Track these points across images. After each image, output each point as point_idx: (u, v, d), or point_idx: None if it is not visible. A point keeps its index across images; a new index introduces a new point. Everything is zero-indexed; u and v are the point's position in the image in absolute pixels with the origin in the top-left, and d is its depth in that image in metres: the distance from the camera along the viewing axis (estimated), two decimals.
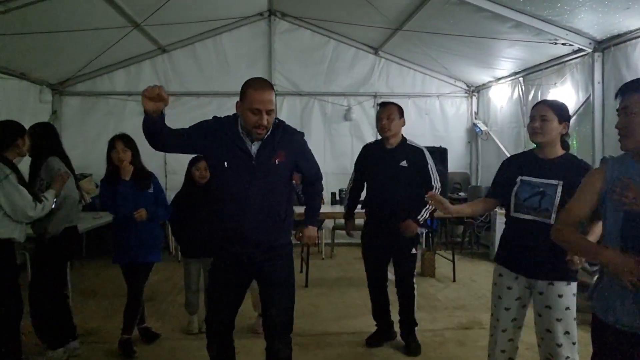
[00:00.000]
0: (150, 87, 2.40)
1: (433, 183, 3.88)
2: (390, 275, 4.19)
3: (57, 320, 3.82)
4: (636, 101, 1.92)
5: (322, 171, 3.07)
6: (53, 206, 3.53)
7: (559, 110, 2.73)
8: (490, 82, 8.27)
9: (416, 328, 4.10)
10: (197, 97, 8.14)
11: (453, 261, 6.43)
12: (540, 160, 2.77)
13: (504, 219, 2.96)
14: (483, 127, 8.47)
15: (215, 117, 2.82)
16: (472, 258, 7.59)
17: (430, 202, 3.79)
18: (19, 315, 3.48)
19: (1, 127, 3.46)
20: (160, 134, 2.63)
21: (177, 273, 6.15)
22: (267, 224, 2.74)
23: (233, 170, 2.69)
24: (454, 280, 6.29)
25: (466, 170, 8.94)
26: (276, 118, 2.77)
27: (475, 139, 8.91)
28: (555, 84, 6.44)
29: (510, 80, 7.61)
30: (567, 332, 2.66)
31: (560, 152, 2.76)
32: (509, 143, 7.52)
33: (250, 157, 2.69)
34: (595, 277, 2.14)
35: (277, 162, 2.71)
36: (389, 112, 3.91)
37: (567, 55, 6.08)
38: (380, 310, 4.23)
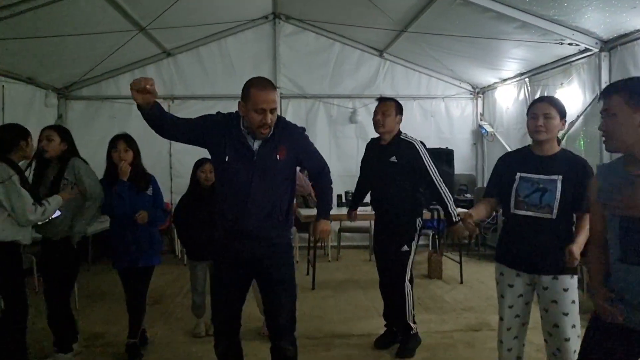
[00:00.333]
0: (137, 79, 2.39)
1: (432, 176, 3.78)
2: None
3: (70, 323, 3.82)
4: (616, 103, 1.95)
5: (331, 178, 3.06)
6: (58, 214, 3.52)
7: (560, 107, 2.76)
8: (495, 83, 8.24)
9: (413, 331, 4.00)
10: (202, 100, 8.14)
11: (460, 263, 6.39)
12: (539, 157, 2.77)
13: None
14: (489, 129, 8.44)
15: (219, 113, 2.84)
16: (479, 260, 7.55)
17: (444, 196, 3.79)
18: (25, 318, 3.47)
19: (4, 130, 3.48)
20: (162, 124, 2.65)
21: (183, 276, 6.15)
22: (268, 220, 2.74)
23: (234, 166, 2.70)
24: (461, 282, 6.26)
25: (472, 172, 8.91)
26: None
27: (480, 140, 8.88)
28: (561, 84, 6.41)
29: (516, 81, 7.59)
30: (573, 326, 2.68)
31: (557, 148, 2.77)
32: (514, 144, 7.47)
33: (252, 154, 2.70)
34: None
35: (278, 158, 2.71)
36: (384, 108, 3.88)
37: (574, 55, 6.04)
38: (390, 310, 4.19)
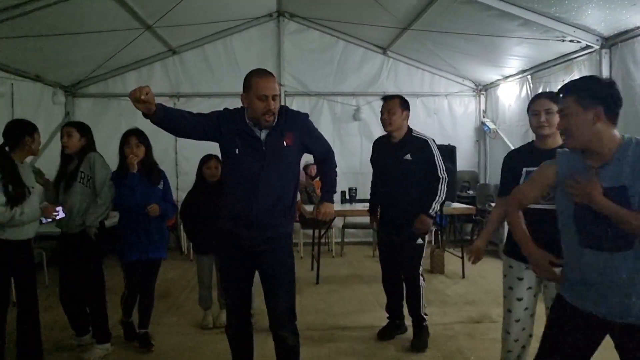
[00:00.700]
0: (133, 90, 2.45)
1: (439, 174, 3.88)
2: None
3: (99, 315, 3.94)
4: (569, 103, 2.02)
5: (336, 162, 3.14)
6: (62, 215, 3.57)
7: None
8: (498, 80, 8.29)
9: (425, 323, 4.10)
10: (207, 98, 8.22)
11: (462, 258, 6.47)
12: (542, 150, 2.83)
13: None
14: (491, 126, 8.50)
15: (226, 109, 2.94)
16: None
17: (439, 192, 3.87)
18: (35, 311, 3.56)
19: (10, 125, 3.52)
20: (170, 128, 2.73)
21: (190, 272, 6.25)
22: (275, 208, 2.83)
23: (244, 157, 2.79)
24: (463, 277, 6.34)
25: (475, 168, 8.97)
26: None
27: (483, 137, 8.93)
28: (563, 81, 6.44)
29: (519, 78, 7.64)
30: None
31: (560, 141, 2.81)
32: (517, 141, 7.52)
33: (260, 144, 2.79)
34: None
35: (285, 145, 2.80)
36: (389, 106, 3.93)
37: (575, 52, 6.10)
38: (393, 303, 4.27)
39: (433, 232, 7.73)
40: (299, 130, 2.88)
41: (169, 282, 6.04)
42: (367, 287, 5.83)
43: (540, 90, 6.90)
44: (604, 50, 5.62)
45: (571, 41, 5.74)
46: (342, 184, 7.41)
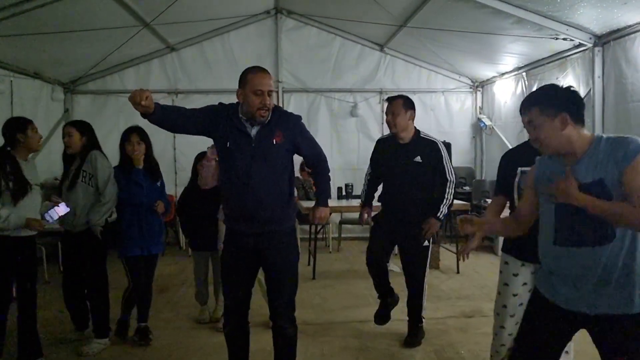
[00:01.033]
0: (133, 94, 2.54)
1: (448, 176, 3.91)
2: (397, 268, 4.21)
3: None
4: (536, 115, 2.09)
5: (329, 166, 3.15)
6: (67, 210, 3.61)
7: None
8: (494, 77, 8.36)
9: (422, 324, 4.14)
10: (206, 94, 8.24)
11: (457, 253, 6.53)
12: (537, 150, 2.88)
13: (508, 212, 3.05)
14: (487, 122, 8.56)
15: (220, 103, 3.02)
16: (476, 251, 7.55)
17: (447, 195, 3.91)
18: (33, 305, 3.60)
19: (4, 126, 3.55)
20: (168, 127, 2.86)
21: (188, 267, 6.30)
22: (270, 201, 2.89)
23: (235, 152, 2.87)
24: (458, 272, 6.42)
25: (471, 165, 9.05)
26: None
27: (479, 133, 9.00)
28: (557, 78, 6.52)
29: (514, 75, 7.71)
30: None
31: None
32: (512, 137, 7.61)
33: (250, 140, 2.86)
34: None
35: (275, 143, 2.86)
36: (393, 108, 3.89)
37: (569, 50, 6.16)
38: (381, 280, 4.18)
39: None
40: (290, 130, 2.94)
41: (167, 278, 6.12)
42: (363, 282, 5.88)
43: (535, 87, 6.94)
44: (596, 49, 5.69)
45: (564, 39, 5.80)
46: (339, 180, 7.58)
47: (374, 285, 4.25)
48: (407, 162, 3.89)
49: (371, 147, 4.35)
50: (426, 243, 4.00)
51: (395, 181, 4.00)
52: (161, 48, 8.23)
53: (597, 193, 1.97)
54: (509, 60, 7.39)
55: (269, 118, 2.88)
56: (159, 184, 4.13)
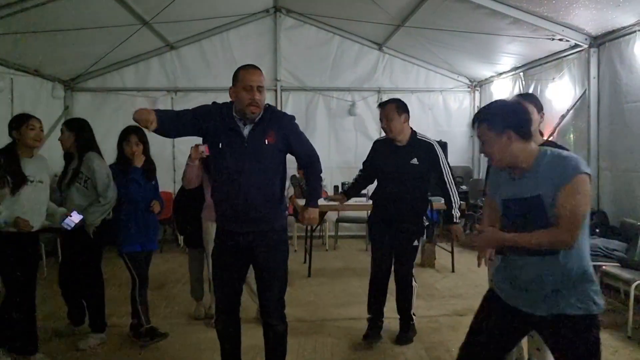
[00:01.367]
0: (139, 115, 2.68)
1: (445, 177, 3.95)
2: None
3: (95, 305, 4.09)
4: (483, 131, 2.16)
5: (326, 165, 3.20)
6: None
7: (535, 102, 2.93)
8: (492, 77, 8.40)
9: (413, 322, 4.18)
10: (204, 92, 8.25)
11: (452, 252, 6.58)
12: None
13: None
14: None
15: (214, 102, 3.04)
16: (471, 250, 7.71)
17: (452, 198, 3.97)
18: (30, 300, 3.65)
19: (8, 124, 3.62)
20: (164, 132, 2.90)
21: (185, 264, 6.33)
22: (261, 202, 2.91)
23: (227, 152, 2.89)
24: (453, 271, 6.46)
25: (468, 164, 9.08)
26: (266, 104, 2.96)
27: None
28: (553, 78, 6.57)
29: (511, 75, 7.75)
30: None
31: (540, 140, 2.90)
32: None
33: (243, 140, 2.88)
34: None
35: (267, 143, 2.89)
36: (386, 113, 3.91)
37: (565, 50, 6.21)
38: (378, 303, 4.20)
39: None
40: (283, 130, 2.95)
41: (164, 274, 6.18)
42: (358, 280, 5.93)
43: (532, 87, 7.02)
44: (592, 49, 5.73)
45: (560, 40, 5.84)
46: (336, 178, 7.63)
47: (369, 304, 4.26)
48: (404, 164, 3.93)
49: (369, 145, 4.37)
50: (416, 243, 4.07)
51: (392, 182, 4.03)
52: (161, 46, 8.27)
53: (534, 208, 2.05)
54: (507, 60, 7.43)
55: (260, 115, 2.89)
56: (153, 182, 4.18)
